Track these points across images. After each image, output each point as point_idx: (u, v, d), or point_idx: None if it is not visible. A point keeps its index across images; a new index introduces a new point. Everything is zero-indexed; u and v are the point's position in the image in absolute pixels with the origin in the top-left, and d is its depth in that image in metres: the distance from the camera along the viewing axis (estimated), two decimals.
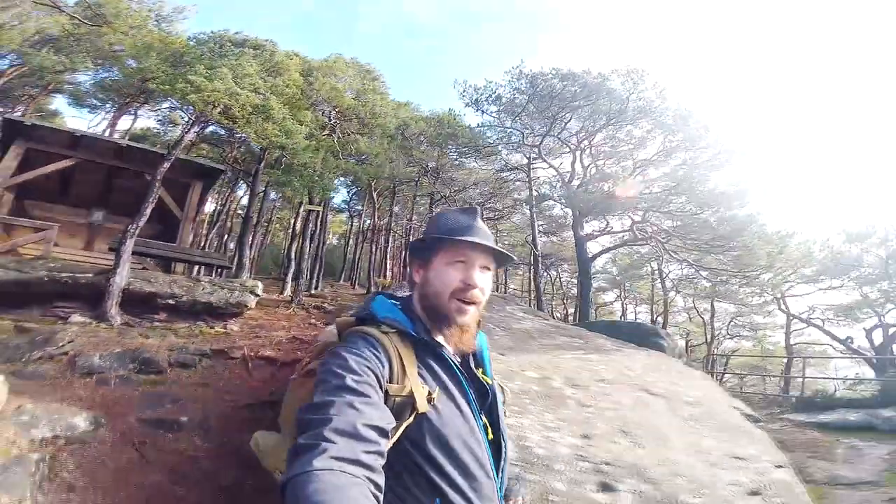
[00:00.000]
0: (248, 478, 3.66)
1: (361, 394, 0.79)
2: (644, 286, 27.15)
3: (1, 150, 10.19)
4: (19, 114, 13.76)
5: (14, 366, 4.81)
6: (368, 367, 0.85)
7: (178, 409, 4.71)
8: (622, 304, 29.88)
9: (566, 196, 16.83)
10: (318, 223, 17.46)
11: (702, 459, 3.07)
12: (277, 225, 29.99)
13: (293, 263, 13.94)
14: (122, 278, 7.19)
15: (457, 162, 19.67)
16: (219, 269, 13.16)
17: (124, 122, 19.77)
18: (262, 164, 13.42)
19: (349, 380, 0.80)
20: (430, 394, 0.90)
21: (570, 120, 15.93)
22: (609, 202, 14.86)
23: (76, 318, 6.70)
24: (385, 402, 0.83)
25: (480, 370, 1.07)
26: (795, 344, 19.63)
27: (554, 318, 20.82)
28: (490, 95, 16.31)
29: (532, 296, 20.32)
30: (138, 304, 7.51)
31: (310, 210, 14.58)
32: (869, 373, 13.59)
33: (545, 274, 25.01)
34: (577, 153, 16.91)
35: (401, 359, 0.91)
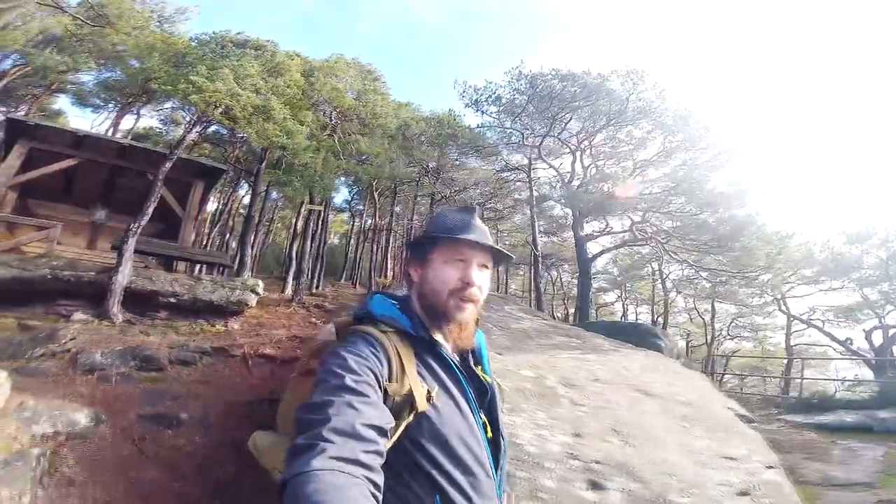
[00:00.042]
0: (246, 475, 3.70)
1: (360, 393, 0.79)
2: (645, 287, 27.13)
3: (4, 149, 10.28)
4: (23, 113, 13.84)
5: (17, 363, 4.87)
6: (367, 367, 0.85)
7: (178, 405, 4.76)
8: (623, 304, 29.88)
9: (566, 196, 16.85)
10: (320, 223, 17.52)
11: (692, 459, 3.09)
12: (279, 224, 30.08)
13: (294, 262, 14.00)
14: (124, 276, 7.25)
15: (457, 162, 19.71)
16: (220, 268, 13.23)
17: (127, 122, 19.90)
18: (264, 164, 13.48)
19: (348, 379, 0.80)
20: (429, 392, 0.90)
21: (570, 120, 15.95)
22: (609, 203, 14.87)
23: (78, 315, 6.77)
24: (384, 402, 0.84)
25: (479, 368, 1.07)
26: (796, 345, 19.64)
27: (554, 318, 20.86)
28: (490, 96, 16.35)
29: (532, 296, 20.32)
30: (140, 302, 7.58)
31: (311, 209, 14.64)
32: (868, 374, 13.59)
33: (546, 274, 25.05)
34: (578, 153, 16.93)
35: (400, 358, 0.91)
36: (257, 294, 8.79)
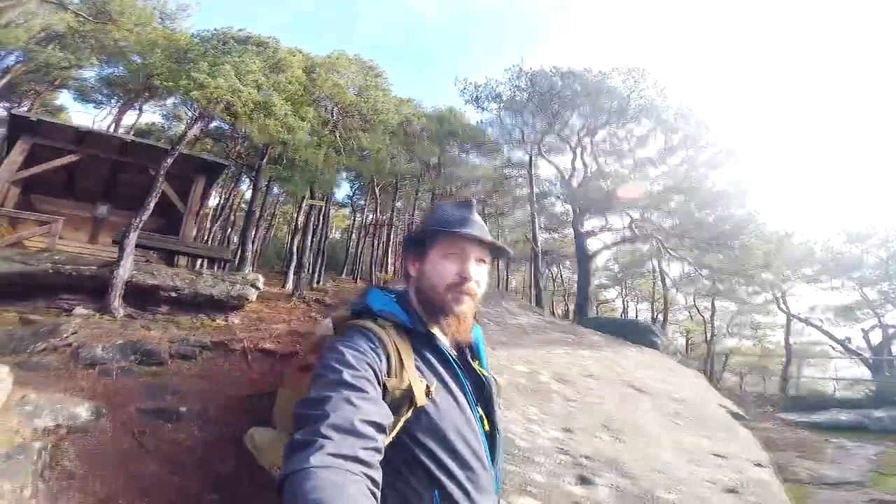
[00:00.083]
0: (246, 469, 3.75)
1: (359, 389, 0.78)
2: (645, 284, 27.13)
3: (7, 145, 10.34)
4: (25, 109, 13.89)
5: (19, 357, 4.92)
6: (366, 362, 0.84)
7: (178, 399, 4.81)
8: (623, 301, 29.90)
9: (567, 193, 16.85)
10: (321, 218, 17.55)
11: (682, 456, 3.13)
12: (281, 219, 30.11)
13: (295, 257, 14.06)
14: (125, 271, 7.30)
15: (461, 156, 19.73)
16: (221, 263, 13.28)
17: (129, 117, 19.92)
18: (265, 160, 13.51)
19: (346, 374, 0.80)
20: (428, 387, 0.90)
21: (570, 118, 15.93)
22: (609, 200, 14.87)
23: (80, 310, 6.82)
24: (383, 397, 0.83)
25: (476, 362, 1.07)
26: (795, 344, 19.62)
27: (554, 314, 20.91)
28: (490, 93, 16.34)
29: (532, 292, 20.36)
30: (141, 297, 7.62)
31: (312, 205, 14.67)
32: (865, 373, 13.63)
33: (546, 270, 25.06)
34: (578, 151, 16.90)
35: (398, 352, 0.91)
36: (258, 289, 8.83)
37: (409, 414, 0.86)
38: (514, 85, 15.86)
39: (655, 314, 25.43)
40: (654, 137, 15.88)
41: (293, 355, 6.43)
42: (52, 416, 3.72)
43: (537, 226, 17.76)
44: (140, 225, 7.91)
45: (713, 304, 21.21)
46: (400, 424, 0.85)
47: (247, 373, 6.12)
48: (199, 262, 15.22)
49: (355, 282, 20.19)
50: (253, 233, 14.98)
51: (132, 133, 16.15)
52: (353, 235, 26.34)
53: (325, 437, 0.68)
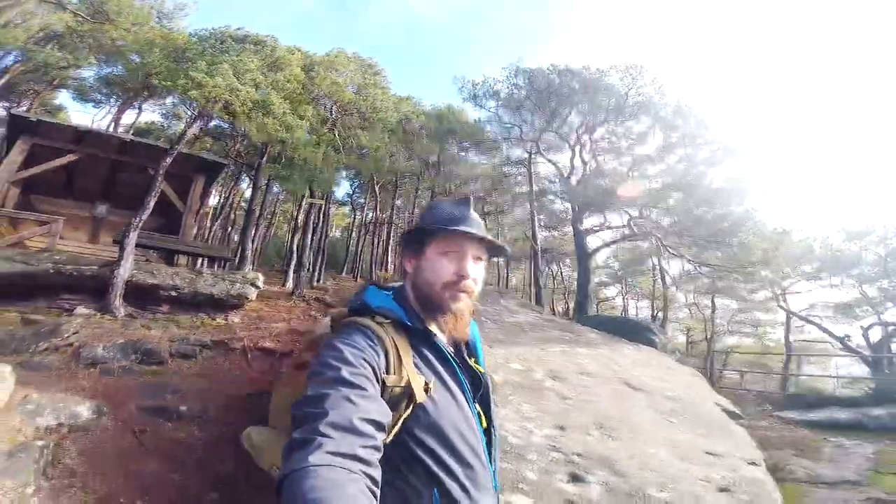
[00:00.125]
0: (245, 468, 3.79)
1: (357, 386, 0.78)
2: (646, 281, 27.12)
3: (7, 145, 10.37)
4: (24, 109, 13.92)
5: (21, 357, 4.98)
6: (364, 359, 0.84)
7: (178, 398, 4.86)
8: (624, 299, 29.90)
9: (566, 191, 16.86)
10: (321, 216, 17.58)
11: (674, 454, 3.16)
12: (281, 217, 30.13)
13: (295, 256, 14.09)
14: (125, 270, 7.35)
15: (460, 154, 19.75)
16: (221, 262, 13.32)
17: (129, 117, 19.94)
18: (265, 158, 13.54)
19: (345, 372, 0.79)
20: (426, 384, 0.89)
21: (568, 115, 15.93)
22: (607, 198, 14.88)
23: (81, 309, 6.87)
24: (382, 394, 0.83)
25: (473, 359, 1.07)
26: (796, 341, 19.63)
27: (555, 312, 20.94)
28: (488, 91, 16.35)
29: (532, 290, 20.39)
30: (142, 296, 7.67)
31: (312, 203, 14.70)
32: (865, 371, 13.66)
33: (546, 268, 25.08)
34: (577, 148, 16.88)
35: (396, 349, 0.91)
36: (257, 287, 8.87)
37: (408, 411, 0.86)
38: (512, 83, 15.91)
39: (656, 312, 25.43)
40: (653, 135, 15.89)
41: (292, 354, 6.47)
42: (53, 415, 3.77)
43: (537, 224, 17.79)
44: (140, 224, 7.94)
45: (713, 302, 21.23)
46: (399, 422, 0.85)
47: (247, 371, 6.16)
48: (199, 261, 15.27)
49: (355, 280, 20.23)
50: (253, 231, 15.02)
51: (132, 132, 16.17)
52: (354, 234, 26.36)
53: (324, 435, 0.68)
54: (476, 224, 1.03)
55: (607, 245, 19.12)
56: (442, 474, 0.85)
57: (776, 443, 6.34)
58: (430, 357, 0.96)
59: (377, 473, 0.70)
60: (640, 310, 30.08)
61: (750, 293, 19.15)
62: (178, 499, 3.36)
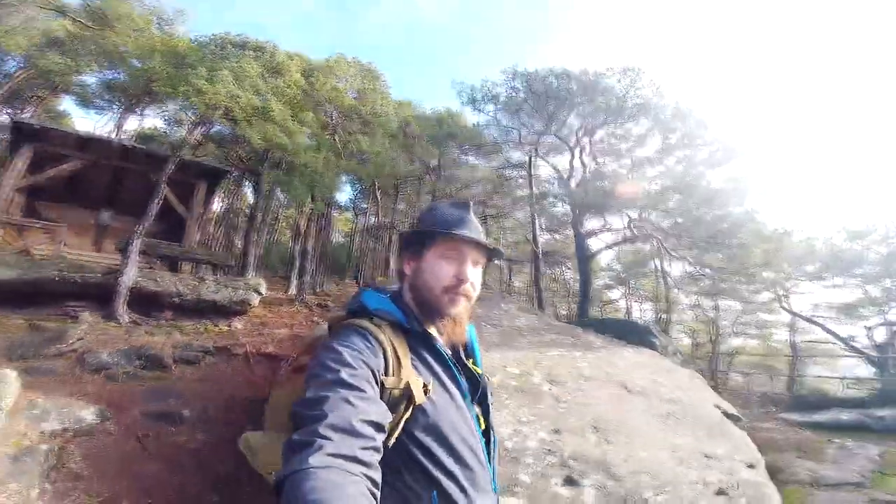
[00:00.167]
0: (245, 471, 3.83)
1: (356, 388, 0.78)
2: (649, 283, 27.03)
3: (11, 152, 10.49)
4: (28, 115, 14.05)
5: (27, 362, 5.05)
6: (363, 361, 0.83)
7: (181, 403, 4.91)
8: (627, 301, 29.79)
9: (566, 193, 16.87)
10: (323, 222, 17.66)
11: (671, 457, 3.16)
12: (284, 223, 30.21)
13: (298, 262, 14.16)
14: (129, 278, 7.42)
15: (461, 158, 19.79)
16: (224, 268, 13.40)
17: (131, 123, 20.04)
18: (267, 164, 13.63)
19: (344, 373, 0.79)
20: (425, 385, 0.89)
21: (568, 118, 15.95)
22: (608, 200, 14.87)
23: (86, 316, 6.94)
24: (381, 396, 0.83)
25: (471, 361, 1.07)
26: (801, 342, 19.52)
27: (557, 315, 20.89)
28: (486, 95, 16.38)
29: (534, 293, 20.39)
30: (145, 303, 7.74)
31: (314, 209, 14.77)
32: (870, 372, 13.57)
33: (548, 271, 25.05)
34: (576, 151, 16.90)
35: (395, 351, 0.90)
36: (260, 294, 8.93)
37: (408, 413, 0.86)
38: (511, 86, 15.93)
39: (659, 314, 25.31)
40: (652, 137, 15.86)
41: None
42: (58, 420, 3.83)
43: (538, 227, 17.78)
44: (143, 231, 8.02)
45: (717, 304, 21.14)
46: (399, 424, 0.85)
47: (249, 377, 6.21)
48: (203, 266, 15.36)
49: (358, 285, 20.28)
50: (256, 237, 15.10)
51: (135, 138, 16.30)
52: (356, 239, 26.43)
53: (323, 437, 0.67)
54: (475, 228, 1.04)
55: (608, 248, 19.10)
56: (441, 476, 0.85)
57: (779, 445, 6.30)
58: (429, 359, 0.96)
59: (377, 475, 0.70)
60: (643, 312, 29.95)
61: (752, 294, 19.06)
62: (180, 501, 3.40)
